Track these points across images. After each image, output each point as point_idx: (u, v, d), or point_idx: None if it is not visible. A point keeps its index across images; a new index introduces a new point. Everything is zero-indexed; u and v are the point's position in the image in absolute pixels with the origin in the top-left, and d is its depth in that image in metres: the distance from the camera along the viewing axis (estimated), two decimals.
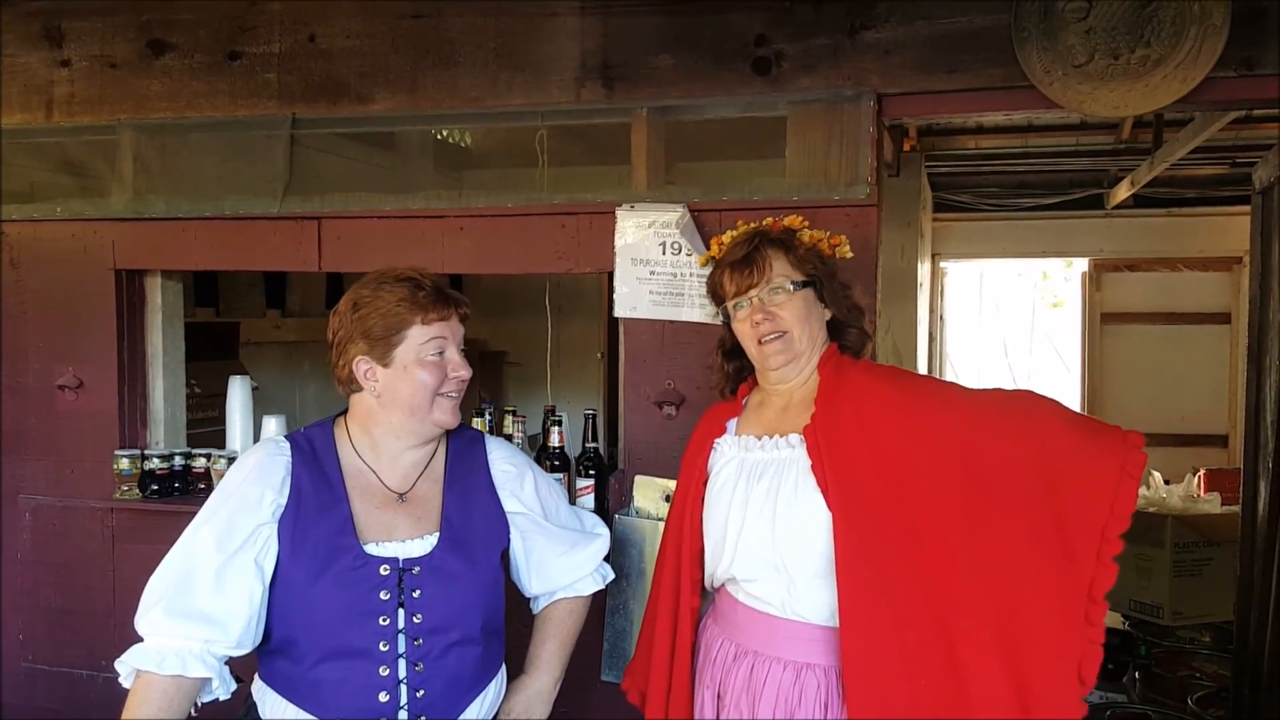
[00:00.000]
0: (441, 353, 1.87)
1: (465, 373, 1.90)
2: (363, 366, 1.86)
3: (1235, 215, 6.44)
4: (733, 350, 2.09)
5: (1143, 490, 4.94)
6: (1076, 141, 6.01)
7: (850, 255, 2.16)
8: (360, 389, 1.89)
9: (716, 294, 2.05)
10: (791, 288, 1.96)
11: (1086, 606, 1.68)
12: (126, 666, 1.74)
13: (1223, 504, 4.59)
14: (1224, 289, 7.38)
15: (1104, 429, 1.77)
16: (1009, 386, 1.91)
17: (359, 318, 1.86)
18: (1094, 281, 7.76)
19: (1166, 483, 5.00)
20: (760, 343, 1.95)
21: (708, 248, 2.72)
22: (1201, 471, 5.48)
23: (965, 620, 1.72)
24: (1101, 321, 7.74)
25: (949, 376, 8.68)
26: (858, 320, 2.06)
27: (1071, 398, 8.77)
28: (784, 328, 1.94)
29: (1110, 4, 2.57)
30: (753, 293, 1.96)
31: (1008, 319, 15.70)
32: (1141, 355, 7.58)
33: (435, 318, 1.86)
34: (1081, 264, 8.06)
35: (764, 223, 2.09)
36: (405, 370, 1.85)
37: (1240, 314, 6.95)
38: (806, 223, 2.10)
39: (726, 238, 2.12)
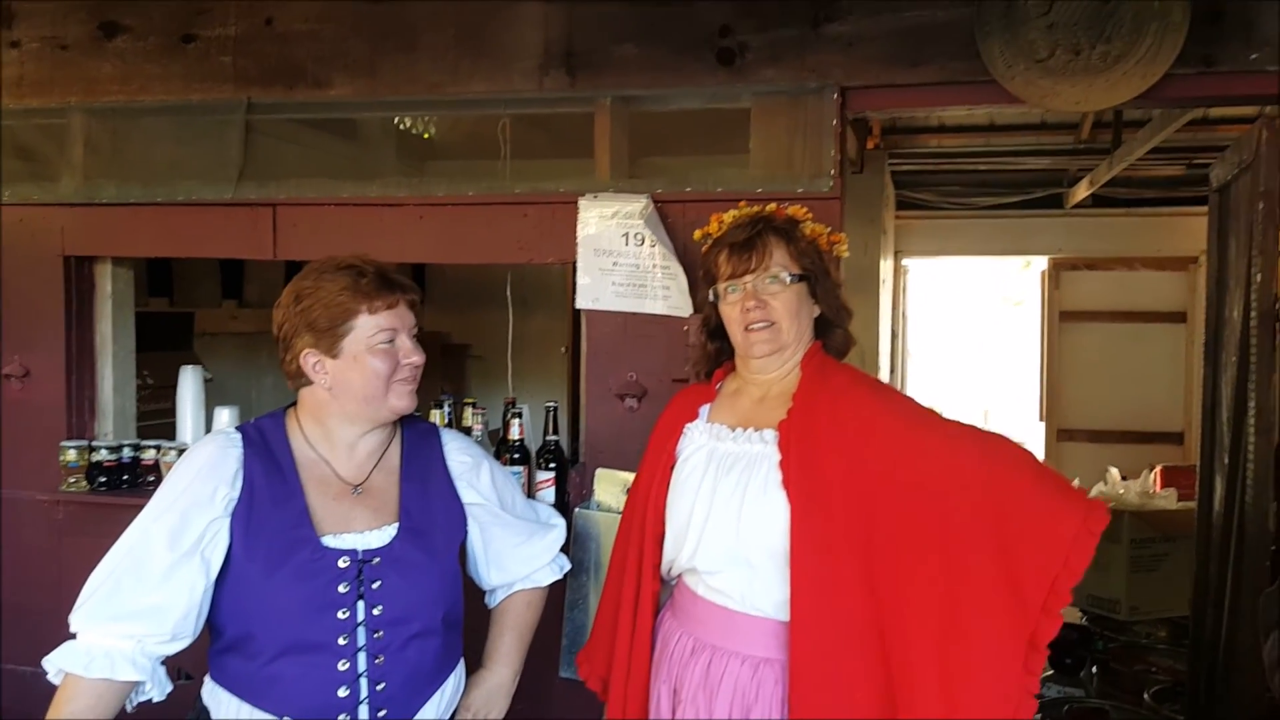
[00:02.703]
0: (392, 340, 1.83)
1: (419, 358, 1.86)
2: (311, 359, 1.82)
3: (1191, 215, 6.51)
4: (716, 330, 2.06)
5: (1101, 486, 5.00)
6: (1037, 141, 6.05)
7: (847, 254, 2.14)
8: (310, 382, 1.85)
9: (710, 272, 2.01)
10: (788, 279, 1.93)
11: (1027, 653, 1.67)
12: (54, 666, 1.70)
13: (1179, 500, 4.65)
14: (1180, 288, 7.46)
15: (1070, 488, 1.77)
16: (985, 427, 1.88)
17: (302, 310, 1.81)
18: (1053, 280, 7.83)
19: (1123, 479, 5.06)
20: (747, 329, 1.93)
21: (673, 239, 2.71)
22: (1158, 468, 5.54)
23: (906, 637, 1.72)
24: (1060, 319, 7.81)
25: (910, 372, 8.74)
26: (844, 321, 2.04)
27: (1031, 394, 8.85)
28: (774, 318, 1.91)
29: (1072, 0, 2.58)
30: (748, 278, 1.93)
31: (968, 316, 15.86)
32: (1099, 353, 7.66)
33: (382, 306, 1.81)
34: (1041, 262, 8.13)
35: (768, 208, 2.05)
36: (356, 360, 1.80)
37: (1196, 313, 7.04)
38: (810, 215, 2.06)
39: (728, 216, 2.06)
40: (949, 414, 1.91)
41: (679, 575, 2.00)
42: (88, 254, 3.22)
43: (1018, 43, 2.61)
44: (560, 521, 2.18)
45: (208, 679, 1.83)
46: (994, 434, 1.85)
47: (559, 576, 2.14)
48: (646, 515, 2.01)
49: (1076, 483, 5.15)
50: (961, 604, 1.70)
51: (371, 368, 1.80)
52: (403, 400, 1.85)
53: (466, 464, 2.00)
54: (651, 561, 2.00)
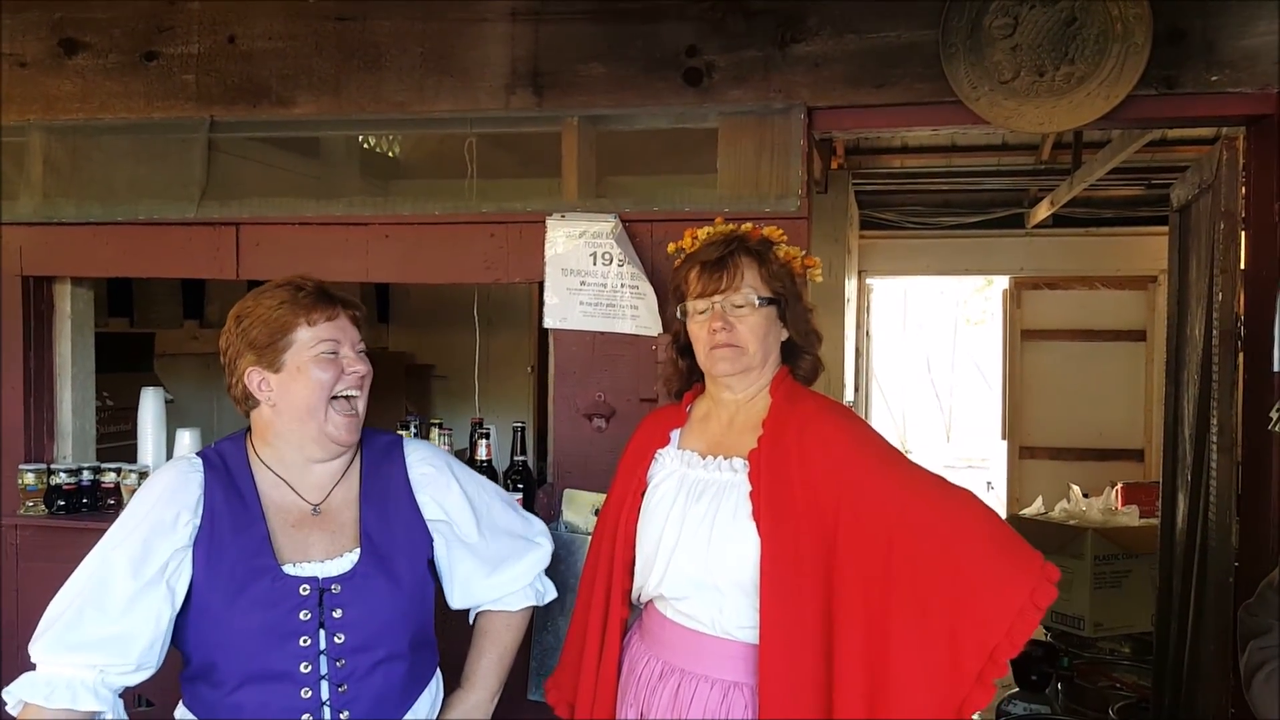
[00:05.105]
0: (335, 353, 1.81)
1: (363, 368, 1.84)
2: (255, 378, 1.81)
3: (1150, 235, 6.61)
4: (686, 348, 2.03)
5: (1063, 503, 5.04)
6: (998, 161, 6.13)
7: (821, 279, 2.12)
8: (257, 403, 1.83)
9: (680, 288, 1.99)
10: (758, 302, 1.91)
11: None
12: (14, 697, 1.66)
13: (1140, 517, 4.69)
14: (1139, 307, 7.56)
15: (1025, 553, 1.74)
16: (952, 479, 1.88)
17: (242, 330, 1.81)
18: (1014, 299, 7.91)
19: (1085, 496, 5.10)
20: (712, 349, 1.92)
21: (641, 258, 2.70)
22: (1118, 485, 5.60)
23: (845, 673, 1.72)
24: (1021, 338, 7.89)
25: (874, 392, 8.79)
26: (814, 346, 2.02)
27: (993, 412, 8.92)
28: (740, 341, 1.89)
29: (1036, 21, 2.61)
30: (717, 298, 1.91)
31: (931, 335, 16.01)
32: (1060, 371, 7.74)
33: (321, 318, 1.80)
34: (1002, 281, 8.22)
35: (742, 227, 2.03)
36: (300, 371, 1.79)
37: (1155, 331, 7.13)
38: (785, 236, 2.05)
39: (703, 232, 2.04)
40: (918, 448, 1.91)
41: (648, 601, 1.98)
42: (47, 274, 3.16)
43: (982, 64, 2.63)
44: (546, 542, 2.11)
45: (181, 705, 1.81)
46: (959, 488, 1.84)
47: (533, 602, 2.08)
48: (616, 541, 1.99)
49: (1039, 501, 5.24)
50: (901, 657, 1.70)
51: (315, 378, 1.79)
52: (341, 431, 1.83)
53: (429, 475, 1.95)
54: (621, 588, 1.98)
